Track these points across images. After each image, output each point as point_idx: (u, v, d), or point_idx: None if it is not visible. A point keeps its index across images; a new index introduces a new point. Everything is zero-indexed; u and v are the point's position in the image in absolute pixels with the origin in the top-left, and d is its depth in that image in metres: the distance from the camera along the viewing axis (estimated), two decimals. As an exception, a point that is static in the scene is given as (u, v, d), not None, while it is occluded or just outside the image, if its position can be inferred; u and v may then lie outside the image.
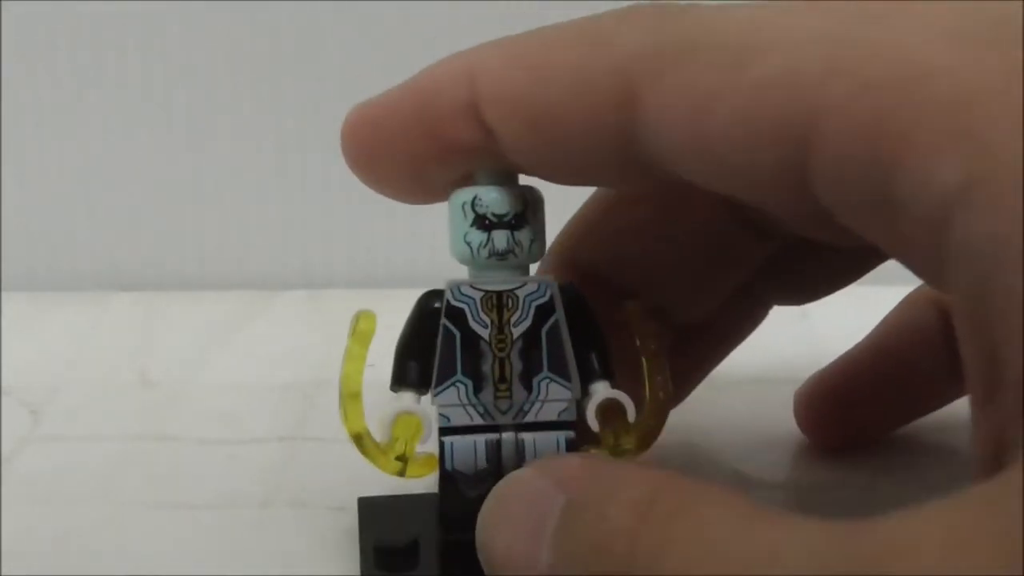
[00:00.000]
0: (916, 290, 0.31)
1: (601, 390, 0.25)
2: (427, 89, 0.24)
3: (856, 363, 0.31)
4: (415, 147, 0.24)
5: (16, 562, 0.27)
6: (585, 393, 0.25)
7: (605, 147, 0.22)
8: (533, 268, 0.25)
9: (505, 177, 0.24)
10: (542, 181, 0.24)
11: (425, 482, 0.26)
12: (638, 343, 0.26)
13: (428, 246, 0.43)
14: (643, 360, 0.26)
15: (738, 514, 0.18)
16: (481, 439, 0.24)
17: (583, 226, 0.28)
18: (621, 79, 0.21)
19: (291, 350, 0.38)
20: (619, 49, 0.22)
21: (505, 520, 0.22)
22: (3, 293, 0.42)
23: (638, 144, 0.22)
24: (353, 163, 0.25)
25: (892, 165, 0.18)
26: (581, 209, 0.29)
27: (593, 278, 0.27)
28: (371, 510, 0.27)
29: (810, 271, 0.29)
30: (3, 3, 0.42)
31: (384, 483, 0.26)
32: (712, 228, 0.27)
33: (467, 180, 0.24)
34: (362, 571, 0.25)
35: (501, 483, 0.23)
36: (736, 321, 0.30)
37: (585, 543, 0.20)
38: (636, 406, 0.25)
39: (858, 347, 0.31)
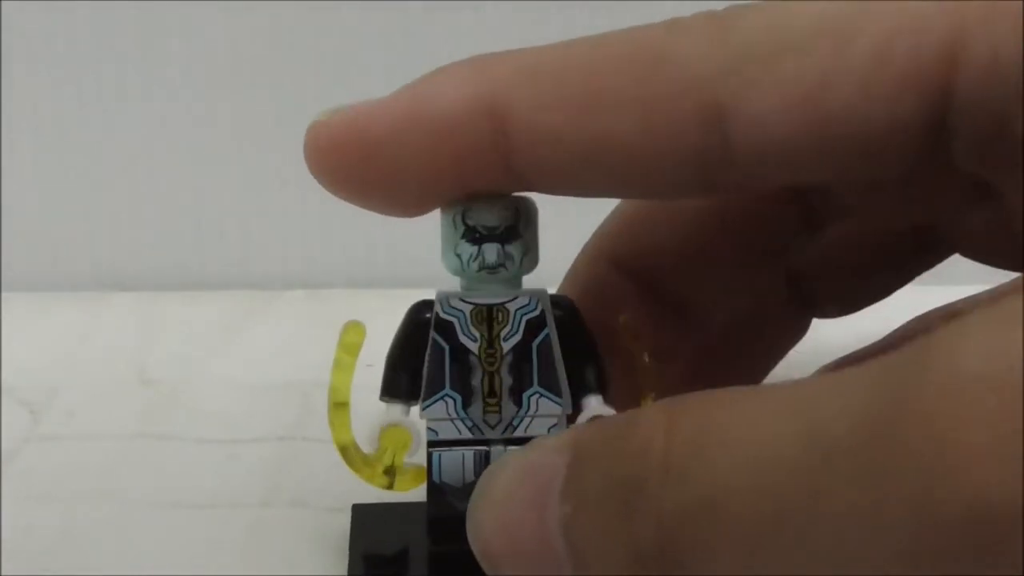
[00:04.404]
0: (938, 307, 0.30)
1: (593, 405, 0.24)
2: (441, 124, 0.21)
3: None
4: (423, 183, 0.22)
5: (16, 561, 0.27)
6: (577, 407, 0.24)
7: (681, 170, 0.21)
8: (527, 280, 0.24)
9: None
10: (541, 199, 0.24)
11: (422, 490, 0.25)
12: (633, 356, 0.26)
13: (428, 246, 0.43)
14: (637, 373, 0.25)
15: (766, 388, 0.18)
16: (469, 452, 0.24)
17: (626, 219, 0.28)
18: (700, 98, 0.20)
19: (291, 350, 0.38)
20: (685, 65, 0.20)
21: (497, 506, 0.21)
22: (3, 293, 0.42)
23: (727, 158, 0.21)
24: (329, 182, 0.23)
25: None
26: (623, 203, 0.28)
27: (628, 269, 0.27)
28: (364, 517, 0.27)
29: (854, 277, 0.29)
30: (3, 3, 0.42)
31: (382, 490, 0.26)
32: (757, 228, 0.27)
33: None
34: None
35: (485, 473, 0.22)
36: (781, 330, 0.29)
37: (613, 465, 0.19)
38: None
39: (869, 349, 0.31)
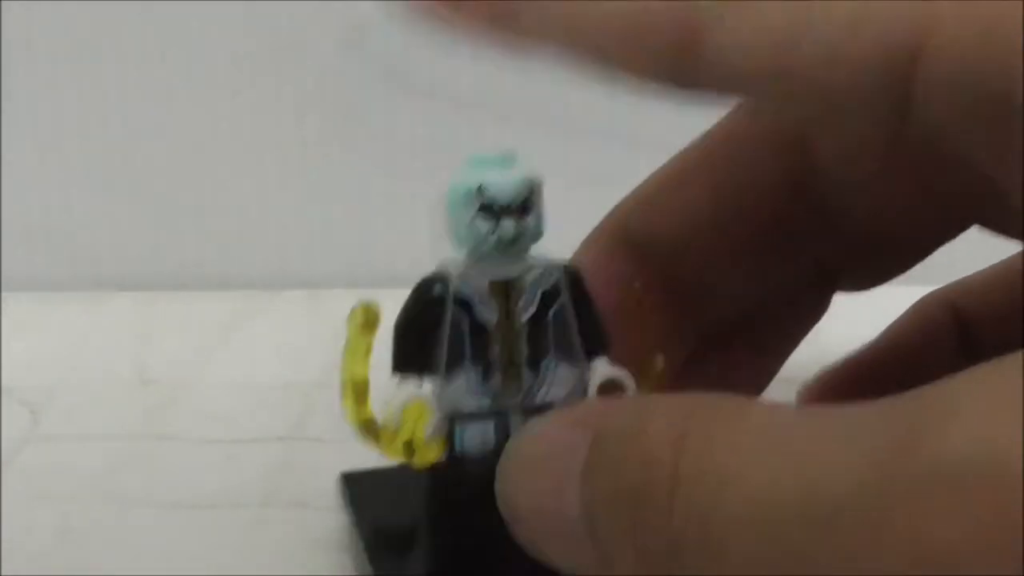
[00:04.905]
0: (930, 293, 0.30)
1: (601, 368, 0.25)
2: None
3: (866, 362, 0.30)
4: None
5: (16, 561, 0.27)
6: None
7: (657, 64, 0.21)
8: (535, 249, 0.25)
9: (507, 161, 0.24)
10: (540, 168, 0.24)
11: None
12: (638, 318, 0.26)
13: (428, 246, 0.43)
14: (642, 335, 0.26)
15: (774, 414, 0.18)
16: (489, 423, 0.24)
17: (641, 199, 0.28)
18: (679, 22, 0.21)
19: (291, 350, 0.38)
20: None
21: (525, 474, 0.21)
22: (3, 293, 0.42)
23: (695, 77, 0.21)
24: None
25: (1011, 59, 0.18)
26: (641, 184, 0.28)
27: (642, 254, 0.27)
28: (357, 485, 0.27)
29: (874, 254, 0.29)
30: (3, 3, 0.42)
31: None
32: (774, 211, 0.27)
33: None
34: (366, 551, 0.25)
35: (515, 438, 0.22)
36: (802, 309, 0.30)
37: (623, 468, 0.19)
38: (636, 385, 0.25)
39: (869, 346, 0.31)
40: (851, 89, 0.20)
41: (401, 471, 0.26)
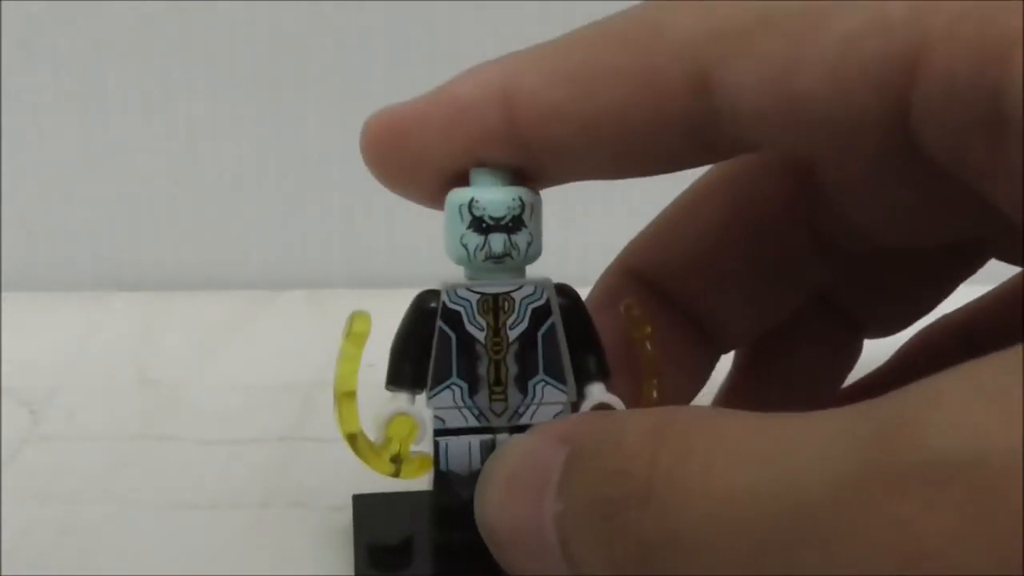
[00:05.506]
0: (938, 319, 0.30)
1: (596, 393, 0.25)
2: (456, 107, 0.23)
3: (872, 388, 0.30)
4: (442, 163, 0.23)
5: (16, 561, 0.27)
6: (581, 395, 0.25)
7: (673, 135, 0.22)
8: (530, 270, 0.25)
9: (503, 177, 0.24)
10: (555, 192, 0.24)
11: (421, 480, 0.26)
12: (634, 342, 0.26)
13: (428, 246, 0.43)
14: (639, 360, 0.26)
15: (752, 420, 0.18)
16: (476, 440, 0.24)
17: (648, 234, 0.28)
18: (687, 67, 0.21)
19: (291, 350, 0.38)
20: (676, 38, 0.21)
21: (500, 488, 0.22)
22: (3, 293, 0.42)
23: (712, 125, 0.22)
24: (374, 169, 0.24)
25: (1000, 78, 0.18)
26: (653, 220, 0.29)
27: (651, 286, 0.28)
28: (366, 508, 0.27)
29: (892, 296, 0.29)
30: (3, 3, 0.42)
31: (382, 482, 0.26)
32: (779, 238, 0.27)
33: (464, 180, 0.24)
34: (356, 569, 0.25)
35: (493, 454, 0.23)
36: (831, 353, 0.30)
37: (598, 479, 0.19)
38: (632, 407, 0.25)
39: (877, 372, 0.31)
40: (852, 108, 0.20)
41: (413, 495, 0.26)
